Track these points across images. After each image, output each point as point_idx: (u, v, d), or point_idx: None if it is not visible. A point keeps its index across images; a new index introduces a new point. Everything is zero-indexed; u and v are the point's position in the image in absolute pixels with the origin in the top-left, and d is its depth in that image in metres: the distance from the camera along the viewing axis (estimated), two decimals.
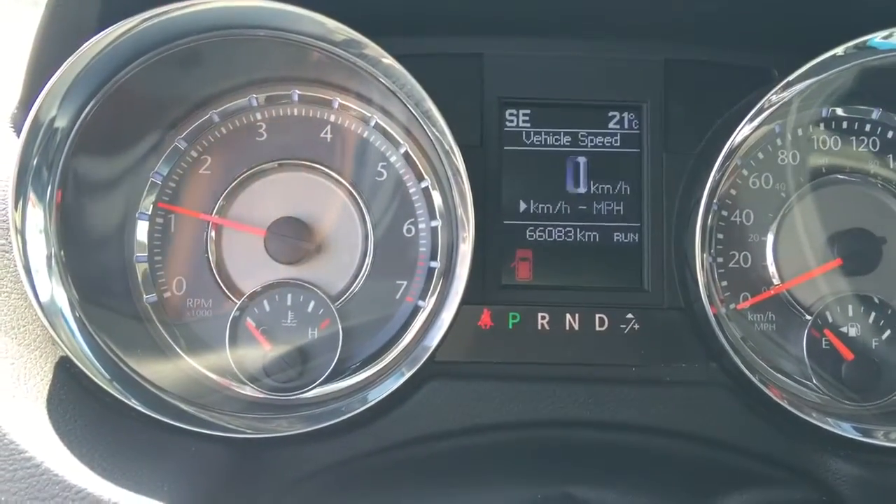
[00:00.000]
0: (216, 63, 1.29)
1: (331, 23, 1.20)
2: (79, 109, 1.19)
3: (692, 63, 1.44)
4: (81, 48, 1.14)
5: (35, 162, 1.17)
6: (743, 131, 1.34)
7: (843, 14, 1.27)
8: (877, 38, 1.27)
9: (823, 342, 1.38)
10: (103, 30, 1.14)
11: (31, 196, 1.18)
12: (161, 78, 1.26)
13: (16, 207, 1.16)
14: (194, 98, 1.35)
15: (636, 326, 1.39)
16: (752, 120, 1.33)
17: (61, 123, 1.19)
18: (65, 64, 1.14)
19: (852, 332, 1.38)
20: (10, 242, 1.15)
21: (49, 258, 1.19)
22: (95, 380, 1.16)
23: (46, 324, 1.14)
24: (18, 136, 1.17)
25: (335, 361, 1.33)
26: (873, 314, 1.38)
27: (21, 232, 1.16)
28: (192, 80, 1.32)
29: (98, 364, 1.18)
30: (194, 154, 1.39)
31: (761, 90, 1.33)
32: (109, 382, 1.17)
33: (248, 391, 1.34)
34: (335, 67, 1.30)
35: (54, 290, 1.19)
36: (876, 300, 1.38)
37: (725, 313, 1.40)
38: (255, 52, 1.29)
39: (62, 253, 1.21)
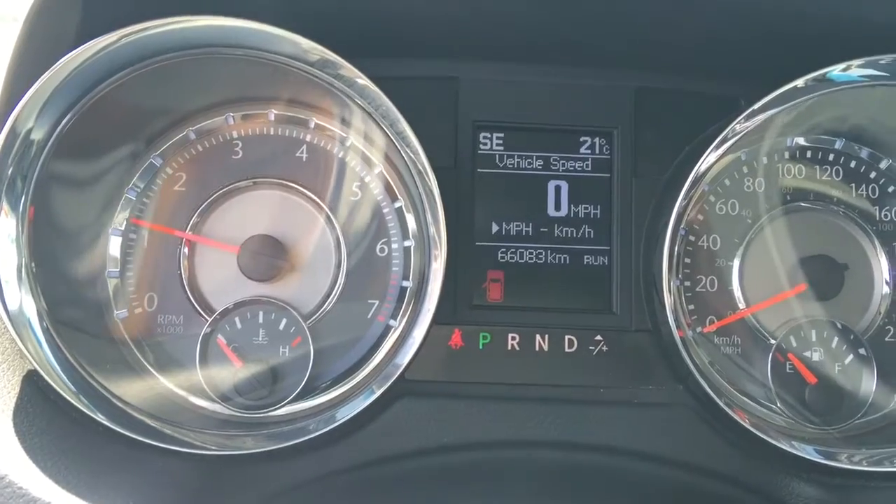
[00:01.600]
0: (193, 80, 1.30)
1: (306, 43, 1.22)
2: (55, 122, 1.19)
3: (662, 91, 1.47)
4: (60, 61, 1.15)
5: (10, 172, 1.17)
6: (709, 159, 1.37)
7: (809, 46, 1.31)
8: (835, 70, 1.31)
9: (787, 366, 1.40)
10: (82, 44, 1.15)
11: (4, 205, 1.18)
12: (138, 94, 1.27)
13: None
14: (171, 115, 1.36)
15: (605, 348, 1.41)
16: (717, 147, 1.36)
17: (37, 136, 1.19)
18: (44, 76, 1.15)
19: (815, 356, 1.41)
20: None
21: (19, 268, 1.19)
22: (62, 392, 1.16)
23: (14, 334, 1.14)
24: None
25: (306, 380, 1.33)
26: (836, 339, 1.41)
27: None
28: (168, 97, 1.33)
29: (64, 376, 1.18)
30: (169, 171, 1.39)
31: (727, 119, 1.37)
32: (76, 396, 1.17)
33: (218, 408, 1.34)
34: (311, 88, 1.32)
35: (23, 301, 1.18)
36: (839, 325, 1.41)
37: (692, 336, 1.43)
38: (231, 71, 1.31)
39: (33, 264, 1.21)
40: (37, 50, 1.19)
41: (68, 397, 1.16)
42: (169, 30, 1.17)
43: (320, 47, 1.22)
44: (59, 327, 1.21)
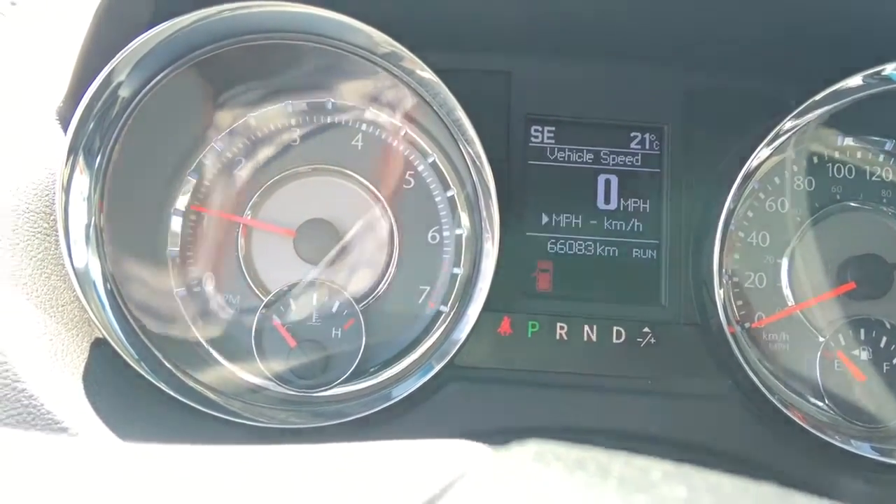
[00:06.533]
0: (260, 67, 1.35)
1: (378, 35, 1.26)
2: (144, 82, 1.23)
3: (713, 89, 1.49)
4: (162, 25, 1.19)
5: (90, 127, 1.21)
6: (760, 156, 1.39)
7: (861, 45, 1.32)
8: (889, 69, 1.32)
9: (836, 364, 1.41)
10: (156, 25, 1.20)
11: (81, 162, 1.21)
12: (211, 74, 1.31)
13: (65, 165, 1.19)
14: (236, 99, 1.40)
15: (652, 340, 1.42)
16: (768, 145, 1.38)
17: (125, 93, 1.23)
18: (148, 33, 1.19)
19: (864, 355, 1.41)
20: (51, 227, 1.19)
21: (88, 227, 1.22)
22: (123, 356, 1.19)
23: (79, 292, 1.17)
24: (65, 129, 1.22)
25: (357, 361, 1.36)
26: (885, 338, 1.41)
27: (66, 191, 1.19)
28: (235, 82, 1.37)
29: (126, 341, 1.21)
30: (229, 155, 1.43)
31: (777, 117, 1.39)
32: (137, 362, 1.20)
33: (271, 385, 1.37)
34: (370, 77, 1.36)
35: (90, 261, 1.22)
36: (887, 325, 1.41)
37: (741, 332, 1.43)
38: (295, 59, 1.35)
39: (102, 225, 1.24)
40: (110, 32, 1.24)
41: (130, 362, 1.19)
42: (250, 13, 1.21)
43: (391, 40, 1.26)
44: (123, 292, 1.24)
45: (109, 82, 1.21)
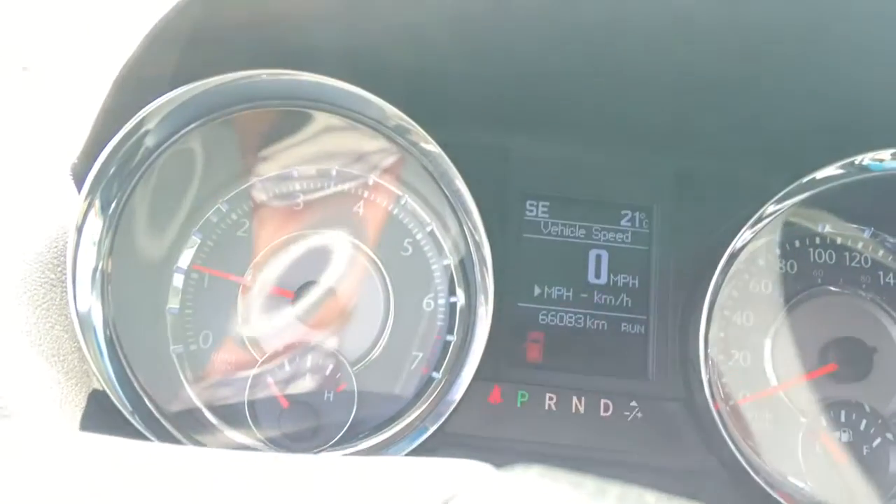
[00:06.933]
0: (272, 132, 1.40)
1: (389, 109, 1.32)
2: (169, 134, 1.28)
3: (700, 172, 1.56)
4: (194, 83, 1.25)
5: (112, 171, 1.25)
6: (744, 238, 1.45)
7: (845, 133, 1.40)
8: (867, 158, 1.40)
9: (818, 446, 1.43)
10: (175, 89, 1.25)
11: (96, 204, 1.25)
12: (226, 136, 1.36)
13: (82, 206, 1.23)
14: (246, 162, 1.45)
15: (639, 415, 1.45)
16: (750, 228, 1.44)
17: (149, 143, 1.27)
18: (174, 92, 1.24)
19: (844, 437, 1.44)
20: (58, 278, 1.21)
21: (94, 271, 1.25)
22: (116, 403, 1.20)
23: (79, 335, 1.19)
24: (79, 185, 1.26)
25: (349, 424, 1.37)
26: (864, 421, 1.44)
27: (79, 232, 1.22)
28: (247, 145, 1.42)
29: (120, 390, 1.22)
30: (234, 217, 1.47)
31: (759, 202, 1.45)
32: (131, 413, 1.21)
33: (261, 447, 1.37)
34: (376, 147, 1.41)
35: (93, 305, 1.24)
36: (867, 408, 1.44)
37: (725, 409, 1.46)
38: (306, 126, 1.40)
39: (108, 269, 1.27)
40: (130, 93, 1.29)
41: (124, 412, 1.20)
42: (270, 79, 1.27)
43: (400, 113, 1.33)
44: (122, 341, 1.26)
45: (135, 132, 1.25)
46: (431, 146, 1.35)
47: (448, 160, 1.35)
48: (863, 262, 1.56)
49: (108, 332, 1.25)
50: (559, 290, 1.51)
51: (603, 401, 1.45)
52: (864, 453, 1.43)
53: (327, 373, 1.40)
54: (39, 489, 0.57)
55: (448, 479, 0.61)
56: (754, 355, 1.49)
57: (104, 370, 1.22)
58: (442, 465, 0.65)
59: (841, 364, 1.46)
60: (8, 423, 1.01)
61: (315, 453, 1.36)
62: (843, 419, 1.44)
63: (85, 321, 1.22)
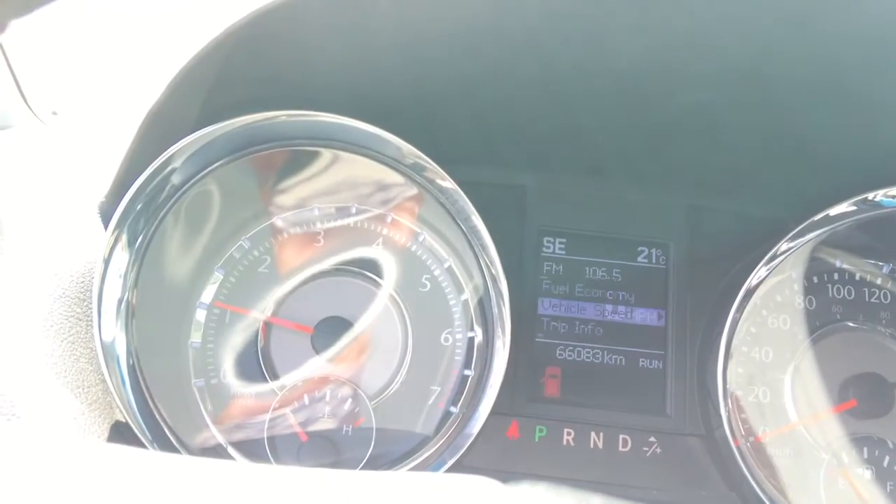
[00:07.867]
0: (294, 170, 1.44)
1: (405, 146, 1.36)
2: (192, 174, 1.32)
3: (715, 210, 1.58)
4: (222, 123, 1.30)
5: (139, 207, 1.29)
6: (759, 274, 1.45)
7: (859, 170, 1.41)
8: (880, 195, 1.41)
9: (840, 482, 1.42)
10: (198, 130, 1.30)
11: (123, 239, 1.29)
12: (249, 174, 1.40)
13: (109, 239, 1.26)
14: (268, 200, 1.49)
15: (658, 450, 1.44)
16: (766, 265, 1.45)
17: (176, 180, 1.32)
18: (207, 129, 1.29)
19: (867, 474, 1.42)
20: (84, 312, 1.24)
21: (120, 302, 1.28)
22: (136, 433, 1.22)
23: (102, 365, 1.21)
24: (105, 223, 1.30)
25: (367, 459, 1.38)
26: (887, 458, 1.43)
27: (106, 263, 1.26)
28: (270, 183, 1.46)
29: (142, 421, 1.24)
30: (256, 253, 1.50)
31: (775, 238, 1.46)
32: (150, 443, 1.23)
33: None
34: (394, 185, 1.45)
35: (116, 335, 1.27)
36: (890, 444, 1.43)
37: (745, 445, 1.45)
38: (326, 165, 1.44)
39: (133, 300, 1.30)
40: (156, 135, 1.33)
41: (144, 442, 1.22)
42: (290, 120, 1.32)
43: (417, 151, 1.36)
44: (144, 372, 1.28)
45: (162, 169, 1.30)
46: (448, 183, 1.38)
47: (465, 197, 1.38)
48: (882, 297, 1.55)
49: (131, 362, 1.27)
50: (576, 326, 1.52)
51: (622, 436, 1.45)
52: (889, 490, 1.41)
53: (346, 407, 1.41)
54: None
55: (455, 493, 0.62)
56: (774, 391, 1.49)
57: (126, 399, 1.24)
58: (449, 479, 0.66)
59: (861, 400, 1.45)
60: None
61: None
62: (865, 455, 1.43)
63: (109, 350, 1.24)
